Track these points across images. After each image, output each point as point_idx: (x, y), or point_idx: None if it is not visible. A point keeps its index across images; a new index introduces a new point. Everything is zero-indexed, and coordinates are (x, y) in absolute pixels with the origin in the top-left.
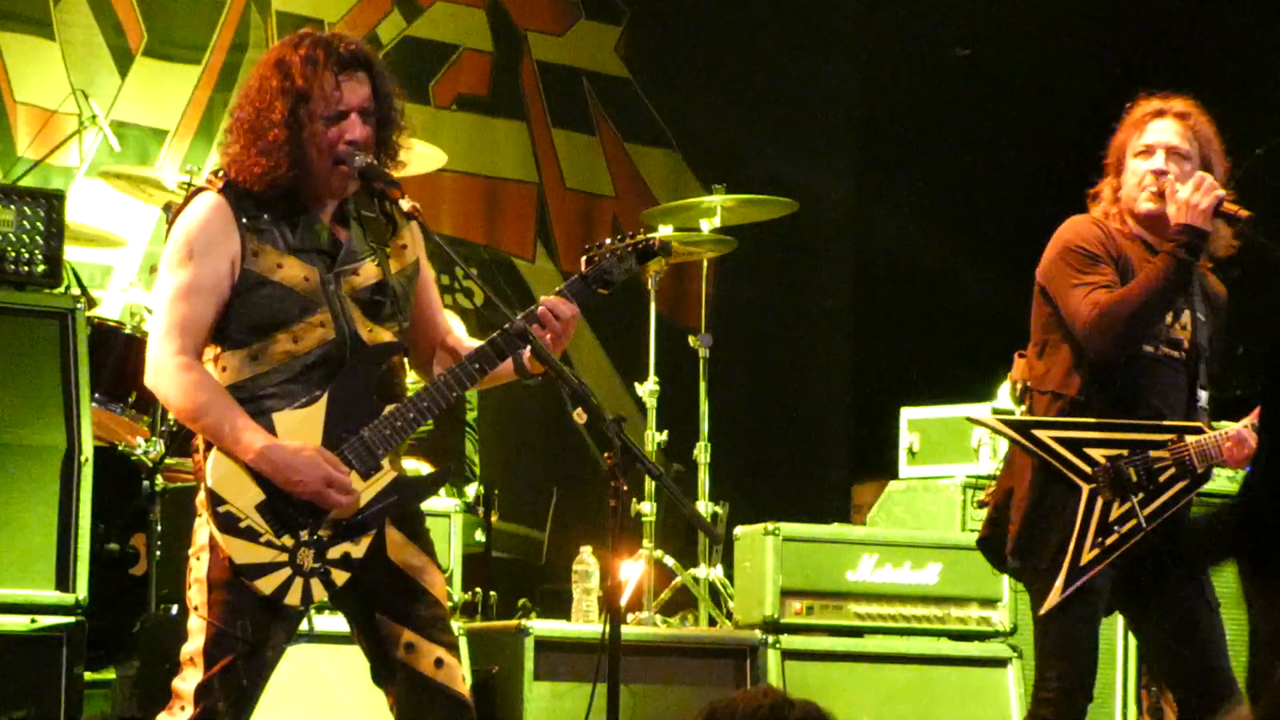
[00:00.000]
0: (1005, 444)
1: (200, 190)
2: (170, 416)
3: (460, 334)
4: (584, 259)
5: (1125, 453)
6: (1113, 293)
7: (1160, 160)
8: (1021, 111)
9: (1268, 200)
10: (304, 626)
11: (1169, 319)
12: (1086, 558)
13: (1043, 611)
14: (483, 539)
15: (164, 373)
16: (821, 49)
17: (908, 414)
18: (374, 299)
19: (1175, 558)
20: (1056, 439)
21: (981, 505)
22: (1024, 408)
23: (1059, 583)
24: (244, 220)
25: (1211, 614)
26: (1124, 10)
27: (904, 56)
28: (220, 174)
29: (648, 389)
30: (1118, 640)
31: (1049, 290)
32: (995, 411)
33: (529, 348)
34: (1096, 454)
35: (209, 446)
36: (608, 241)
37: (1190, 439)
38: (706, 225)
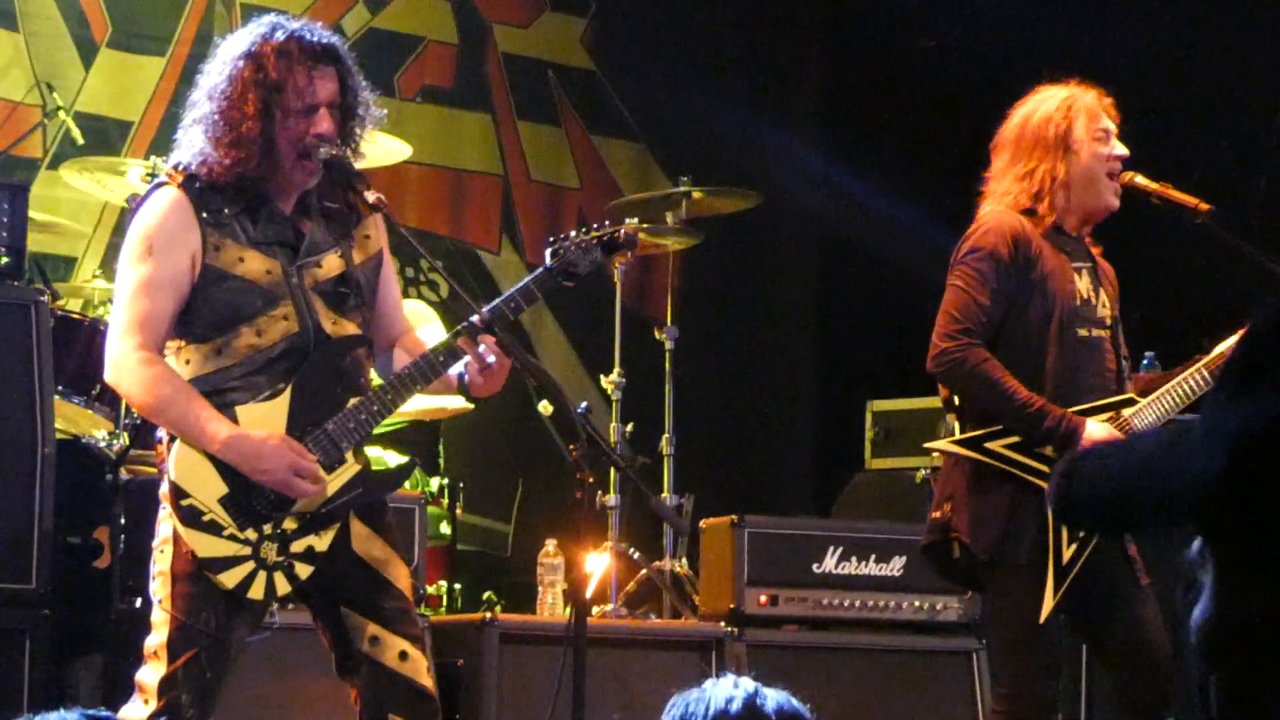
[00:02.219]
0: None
1: (160, 184)
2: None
3: (426, 330)
4: (549, 251)
5: None
6: (981, 360)
7: (1121, 146)
8: (987, 104)
9: (1228, 196)
10: (268, 619)
11: (1091, 299)
12: (1068, 555)
13: (1043, 619)
14: (448, 531)
15: (125, 368)
16: (787, 41)
17: (874, 405)
18: (338, 291)
19: (1122, 559)
20: (1008, 446)
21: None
22: (955, 414)
23: (1049, 588)
24: (204, 215)
25: (1148, 600)
26: (1087, 2)
27: (869, 48)
28: (180, 167)
29: (613, 381)
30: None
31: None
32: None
33: (467, 369)
34: (1049, 450)
35: (172, 439)
36: (573, 234)
37: (1127, 411)
38: (672, 217)
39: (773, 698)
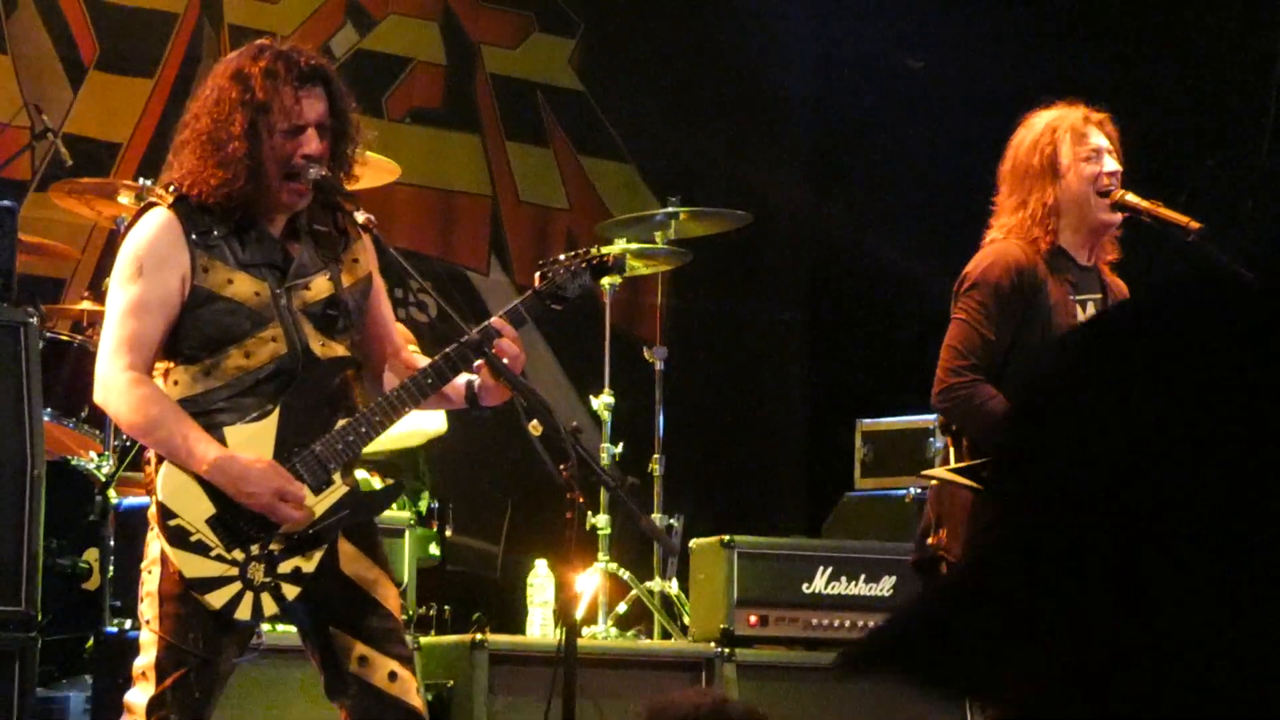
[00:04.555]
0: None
1: (150, 205)
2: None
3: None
4: (538, 274)
5: None
6: (988, 397)
7: (1113, 163)
8: (975, 122)
9: (1215, 211)
10: (255, 640)
11: None
12: None
13: None
14: (437, 552)
15: (113, 388)
16: (775, 61)
17: (863, 425)
18: (326, 313)
19: None
20: None
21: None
22: (949, 439)
23: None
24: (194, 236)
25: None
26: (1074, 21)
27: (858, 68)
28: (171, 188)
29: (603, 402)
30: None
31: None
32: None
33: (479, 375)
34: None
35: (160, 460)
36: (562, 256)
37: None
38: (661, 238)
39: (740, 706)
